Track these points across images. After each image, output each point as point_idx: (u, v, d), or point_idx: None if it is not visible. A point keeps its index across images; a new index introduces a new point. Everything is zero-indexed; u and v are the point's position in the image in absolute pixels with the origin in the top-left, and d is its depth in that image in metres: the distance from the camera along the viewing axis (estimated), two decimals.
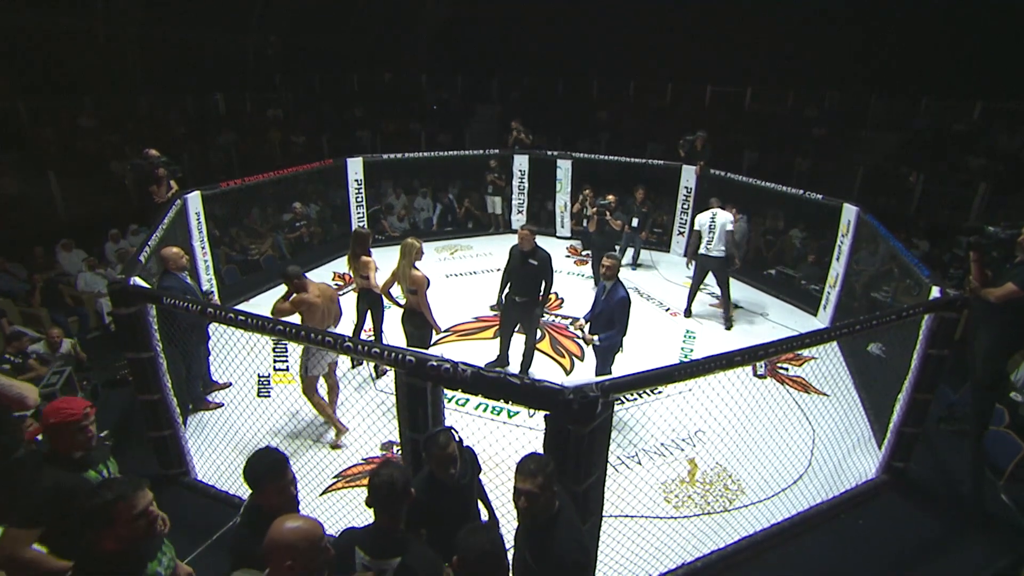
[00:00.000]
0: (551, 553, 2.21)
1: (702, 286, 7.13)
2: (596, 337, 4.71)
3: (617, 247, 8.47)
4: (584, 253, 9.42)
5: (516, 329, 5.61)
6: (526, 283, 5.35)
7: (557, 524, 2.26)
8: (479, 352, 5.89)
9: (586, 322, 4.93)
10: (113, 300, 3.67)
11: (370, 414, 4.44)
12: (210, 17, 14.51)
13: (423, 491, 2.52)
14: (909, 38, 13.12)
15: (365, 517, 2.53)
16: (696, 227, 6.88)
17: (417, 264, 4.92)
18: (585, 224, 9.48)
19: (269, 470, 2.27)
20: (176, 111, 13.51)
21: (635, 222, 8.41)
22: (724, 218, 6.66)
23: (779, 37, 14.59)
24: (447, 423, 2.85)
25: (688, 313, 7.15)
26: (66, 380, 5.00)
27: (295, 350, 5.75)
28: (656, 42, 15.73)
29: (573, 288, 7.96)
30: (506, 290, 5.54)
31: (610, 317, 4.68)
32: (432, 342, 5.23)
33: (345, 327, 5.64)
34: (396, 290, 5.18)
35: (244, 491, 3.91)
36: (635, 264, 8.82)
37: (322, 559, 1.86)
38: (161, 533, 2.12)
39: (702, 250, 6.78)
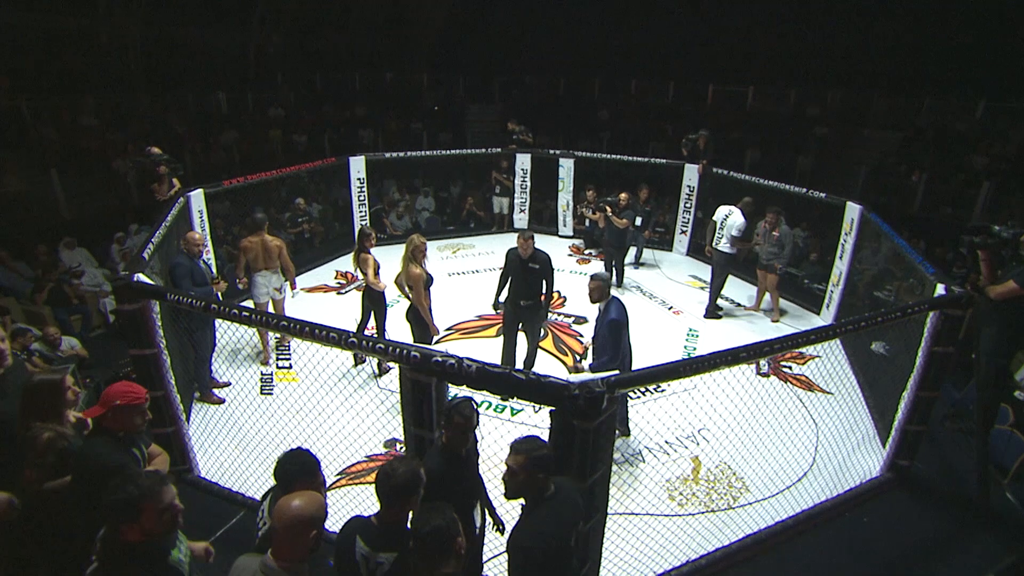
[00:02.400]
0: (512, 533, 2.28)
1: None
2: (587, 364, 4.36)
3: (633, 247, 8.52)
4: (587, 252, 9.42)
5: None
6: (529, 287, 5.23)
7: (536, 509, 2.30)
8: (482, 350, 5.89)
9: (586, 348, 4.68)
10: (117, 296, 3.67)
11: (373, 411, 4.45)
12: (212, 16, 14.53)
13: (437, 464, 2.56)
14: (911, 37, 13.12)
15: None
16: (714, 217, 7.00)
17: (423, 262, 4.92)
18: (587, 224, 9.52)
19: (302, 471, 2.29)
20: (178, 110, 13.51)
21: (639, 220, 8.39)
22: (735, 220, 6.68)
23: (781, 36, 14.59)
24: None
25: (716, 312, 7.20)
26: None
27: (297, 347, 5.77)
28: (658, 41, 15.75)
29: (575, 287, 7.94)
30: (504, 294, 5.40)
31: (603, 343, 4.21)
32: (434, 340, 5.23)
33: (348, 324, 5.65)
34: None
35: (247, 488, 3.93)
36: (637, 263, 8.81)
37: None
38: (180, 525, 2.16)
39: (714, 243, 6.93)
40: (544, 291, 5.30)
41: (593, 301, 4.33)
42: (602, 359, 4.12)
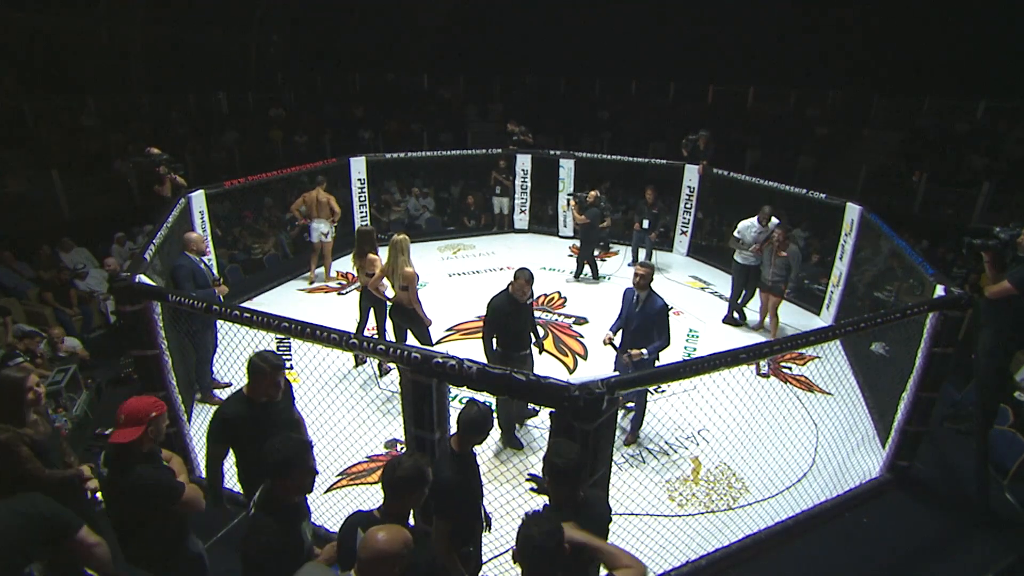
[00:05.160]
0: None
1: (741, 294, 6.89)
2: (644, 351, 4.27)
3: (642, 249, 8.55)
4: None
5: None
6: (528, 331, 4.64)
7: (575, 516, 2.25)
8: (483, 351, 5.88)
9: (613, 334, 4.56)
10: (118, 298, 3.69)
11: (373, 412, 4.46)
12: (212, 16, 14.54)
13: (453, 472, 2.57)
14: (912, 37, 13.11)
15: None
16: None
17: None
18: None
19: (300, 453, 2.28)
20: (178, 110, 13.54)
21: (646, 223, 8.39)
22: (741, 225, 6.58)
23: (782, 36, 14.59)
24: (451, 421, 2.87)
25: (734, 319, 6.98)
26: (71, 378, 5.02)
27: (299, 348, 5.78)
28: (658, 41, 15.75)
29: (576, 288, 7.96)
30: (496, 348, 4.53)
31: (649, 330, 4.33)
32: (435, 341, 5.25)
33: (349, 324, 5.67)
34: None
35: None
36: (634, 263, 8.78)
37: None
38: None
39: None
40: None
41: (640, 288, 4.44)
42: (657, 343, 4.32)
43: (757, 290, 6.64)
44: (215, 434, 2.97)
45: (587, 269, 8.22)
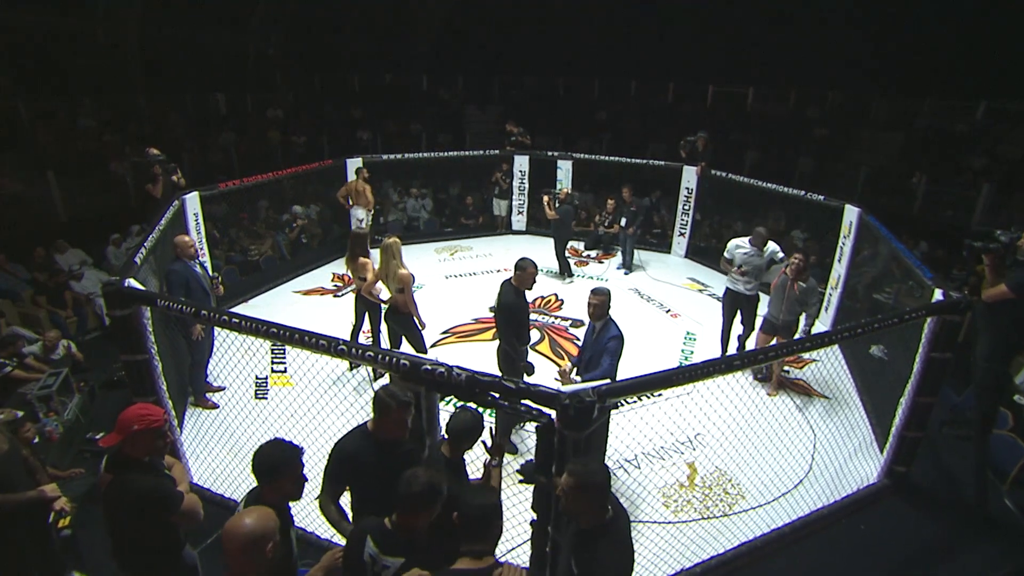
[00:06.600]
0: (594, 563, 2.13)
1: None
2: (577, 379, 3.96)
3: (606, 244, 8.56)
4: (584, 254, 9.39)
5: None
6: (527, 325, 4.62)
7: (605, 535, 2.17)
8: (479, 354, 5.85)
9: (573, 367, 4.25)
10: (108, 302, 3.65)
11: (368, 415, 4.41)
12: (210, 17, 14.50)
13: (450, 478, 2.52)
14: (912, 38, 13.06)
15: None
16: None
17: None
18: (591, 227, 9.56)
19: (290, 459, 2.27)
20: (176, 111, 13.49)
21: (623, 220, 8.38)
22: (730, 244, 5.74)
23: (781, 37, 14.54)
24: (443, 424, 2.84)
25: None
26: (63, 381, 4.98)
27: (292, 351, 5.74)
28: (658, 42, 15.71)
29: (574, 290, 7.92)
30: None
31: (601, 356, 3.88)
32: (430, 344, 5.22)
33: (345, 327, 5.64)
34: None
35: (240, 494, 3.90)
36: (623, 265, 8.72)
37: None
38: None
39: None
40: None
41: (595, 318, 4.03)
42: (595, 373, 3.81)
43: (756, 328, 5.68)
44: (334, 473, 2.69)
45: (586, 266, 8.21)
